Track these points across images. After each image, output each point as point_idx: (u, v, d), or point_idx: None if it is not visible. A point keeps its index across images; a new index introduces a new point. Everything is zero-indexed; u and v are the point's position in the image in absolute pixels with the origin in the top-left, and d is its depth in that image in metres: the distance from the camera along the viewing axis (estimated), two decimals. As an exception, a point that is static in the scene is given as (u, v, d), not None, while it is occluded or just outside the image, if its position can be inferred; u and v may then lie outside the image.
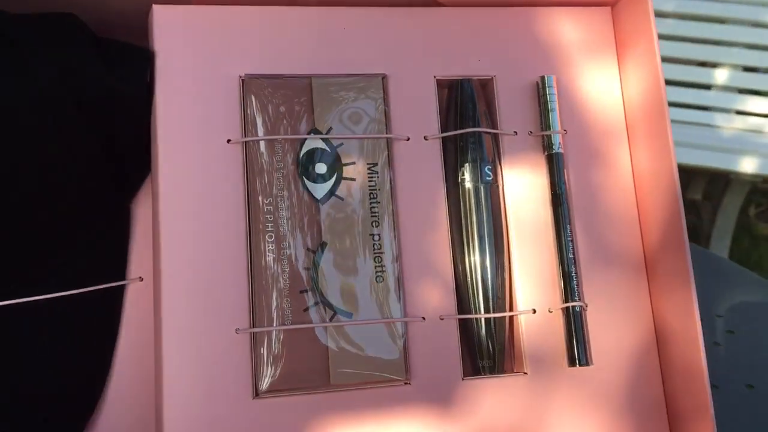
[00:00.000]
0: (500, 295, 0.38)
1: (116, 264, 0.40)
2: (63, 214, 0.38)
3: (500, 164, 0.40)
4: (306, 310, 0.36)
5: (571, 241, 0.38)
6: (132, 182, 0.40)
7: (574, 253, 0.38)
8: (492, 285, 0.38)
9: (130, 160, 0.40)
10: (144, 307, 0.40)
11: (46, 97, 0.35)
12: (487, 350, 0.38)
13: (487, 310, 0.38)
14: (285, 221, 0.37)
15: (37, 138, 0.36)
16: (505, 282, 0.38)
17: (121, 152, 0.39)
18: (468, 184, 0.39)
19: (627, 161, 0.41)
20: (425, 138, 0.39)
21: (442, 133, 0.39)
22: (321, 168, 0.38)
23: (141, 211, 0.40)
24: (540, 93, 0.40)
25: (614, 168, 0.41)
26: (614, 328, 0.39)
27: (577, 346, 0.37)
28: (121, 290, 0.40)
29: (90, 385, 0.38)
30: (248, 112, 0.37)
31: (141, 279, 0.40)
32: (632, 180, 0.41)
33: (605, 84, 0.42)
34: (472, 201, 0.39)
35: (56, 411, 0.37)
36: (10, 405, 0.36)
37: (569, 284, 0.38)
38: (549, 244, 0.39)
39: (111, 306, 0.39)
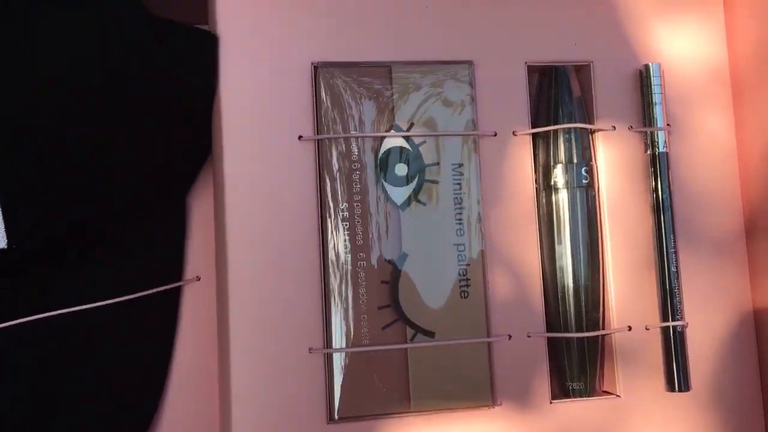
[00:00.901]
0: (594, 310, 0.35)
1: (174, 262, 0.37)
2: (121, 210, 0.35)
3: (596, 164, 0.36)
4: (385, 328, 0.33)
5: (675, 252, 0.35)
6: (188, 175, 0.37)
7: (677, 267, 0.35)
8: (585, 300, 0.35)
9: (189, 151, 0.36)
10: (201, 307, 0.37)
11: (106, 83, 0.31)
12: (578, 372, 0.35)
13: (579, 327, 0.35)
14: (362, 229, 0.33)
15: (96, 129, 0.32)
16: (599, 296, 0.35)
17: (180, 143, 0.35)
18: (561, 188, 0.35)
19: (734, 158, 0.37)
20: (514, 133, 0.35)
21: (532, 127, 0.35)
22: (401, 169, 0.34)
23: (195, 206, 0.37)
24: (643, 83, 0.36)
25: (720, 166, 0.37)
26: (714, 347, 0.36)
27: (677, 369, 0.34)
28: (178, 290, 0.37)
29: (147, 394, 0.36)
30: (321, 104, 0.33)
31: (198, 278, 0.37)
32: (738, 180, 0.37)
33: (714, 69, 0.37)
34: (566, 207, 0.35)
35: (112, 423, 0.35)
36: (67, 414, 0.34)
37: (671, 301, 0.34)
38: (648, 255, 0.35)
39: (168, 307, 0.37)
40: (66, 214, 0.33)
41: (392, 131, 0.34)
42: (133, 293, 0.35)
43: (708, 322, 0.36)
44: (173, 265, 0.37)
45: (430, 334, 0.33)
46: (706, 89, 0.37)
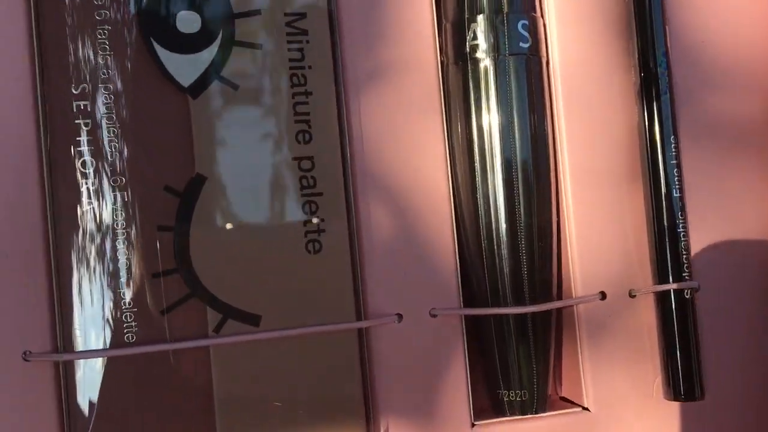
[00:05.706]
0: (543, 270, 0.21)
1: None
2: None
3: (543, 17, 0.21)
4: (168, 311, 0.18)
5: (677, 166, 0.21)
6: None
7: (681, 191, 0.21)
8: (529, 254, 0.20)
9: None
10: None
11: None
12: (519, 373, 0.21)
13: (517, 300, 0.20)
14: (113, 130, 0.18)
15: None
16: (550, 247, 0.21)
17: None
18: (483, 58, 0.20)
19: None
20: (402, -35, 0.20)
21: (434, -45, 0.20)
22: (190, 21, 0.19)
23: None
24: None
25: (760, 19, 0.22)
26: (732, 324, 0.22)
27: (682, 363, 0.20)
28: None
29: None
30: None
31: None
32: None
33: None
34: (492, 90, 0.20)
35: None
36: None
37: (673, 250, 0.20)
38: (633, 176, 0.21)
39: None
40: None
41: (170, -50, 0.19)
42: None
43: (726, 285, 0.22)
44: None
45: (251, 320, 0.19)
46: None
